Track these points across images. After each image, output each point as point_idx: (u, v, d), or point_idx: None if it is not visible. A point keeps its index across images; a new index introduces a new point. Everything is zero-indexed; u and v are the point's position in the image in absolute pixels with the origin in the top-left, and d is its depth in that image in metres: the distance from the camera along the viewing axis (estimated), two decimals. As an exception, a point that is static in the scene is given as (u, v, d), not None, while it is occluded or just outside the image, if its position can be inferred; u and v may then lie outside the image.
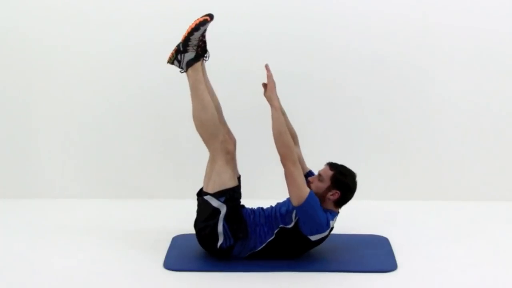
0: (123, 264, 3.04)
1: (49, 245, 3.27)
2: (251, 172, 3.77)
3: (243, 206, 3.12)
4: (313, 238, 2.98)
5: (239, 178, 3.13)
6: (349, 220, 3.61)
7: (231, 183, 3.04)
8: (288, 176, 2.91)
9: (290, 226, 2.99)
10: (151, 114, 4.11)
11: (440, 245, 3.31)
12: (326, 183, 3.01)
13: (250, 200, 3.21)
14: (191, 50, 3.06)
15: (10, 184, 4.14)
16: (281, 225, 3.01)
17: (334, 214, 3.04)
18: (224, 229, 2.99)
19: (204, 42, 3.09)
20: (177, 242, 3.28)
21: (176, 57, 3.08)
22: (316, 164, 4.12)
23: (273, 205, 3.17)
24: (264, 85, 3.09)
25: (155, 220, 3.70)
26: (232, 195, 3.03)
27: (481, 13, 3.95)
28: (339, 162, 3.19)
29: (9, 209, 3.90)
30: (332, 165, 3.05)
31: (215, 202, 3.01)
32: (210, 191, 3.02)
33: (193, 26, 3.03)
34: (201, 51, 3.08)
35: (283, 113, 3.13)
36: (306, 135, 4.10)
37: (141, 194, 4.11)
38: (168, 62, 3.13)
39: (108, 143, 4.12)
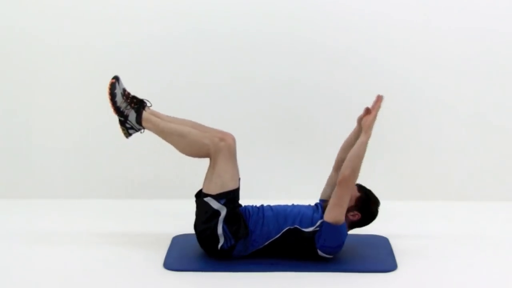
0: (123, 264, 3.04)
1: (49, 245, 3.27)
2: (250, 172, 3.77)
3: (240, 205, 3.11)
4: (321, 254, 2.99)
5: (239, 180, 3.13)
6: (349, 220, 3.62)
7: (232, 185, 3.03)
8: (338, 198, 2.91)
9: (306, 230, 2.98)
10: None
11: (440, 245, 3.31)
12: (351, 202, 3.01)
13: (250, 200, 3.20)
14: (129, 112, 3.08)
15: (10, 184, 4.14)
16: (296, 226, 3.00)
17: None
18: (224, 231, 2.98)
19: (133, 97, 3.11)
20: (177, 242, 3.28)
21: (127, 128, 3.10)
22: (316, 164, 4.14)
23: (282, 203, 3.16)
24: (367, 111, 3.06)
25: (155, 220, 3.70)
26: (233, 197, 3.02)
27: (482, 15, 3.96)
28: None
29: (9, 209, 3.89)
30: (361, 187, 3.07)
31: (215, 204, 3.00)
32: (211, 192, 3.01)
33: (109, 96, 3.06)
34: (137, 103, 3.10)
35: None
36: (306, 135, 4.12)
37: (141, 194, 4.11)
38: (127, 137, 3.15)
39: (108, 143, 4.12)
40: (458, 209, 3.92)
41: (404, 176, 4.13)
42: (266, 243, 3.02)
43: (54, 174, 4.14)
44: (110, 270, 2.98)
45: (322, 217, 2.99)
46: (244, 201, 3.14)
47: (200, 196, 3.07)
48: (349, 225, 3.06)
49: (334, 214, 2.91)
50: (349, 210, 3.00)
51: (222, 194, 3.00)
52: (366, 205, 3.04)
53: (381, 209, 3.89)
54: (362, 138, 2.97)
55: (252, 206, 3.12)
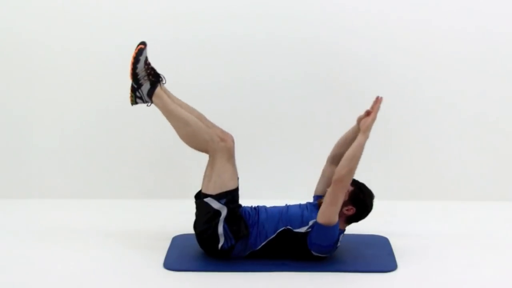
0: (123, 264, 3.04)
1: (49, 245, 3.27)
2: (251, 172, 3.78)
3: (240, 205, 3.11)
4: (315, 253, 3.00)
5: (237, 179, 3.13)
6: (349, 220, 3.62)
7: (232, 185, 3.03)
8: (333, 197, 2.89)
9: (298, 230, 2.98)
10: (151, 114, 4.10)
11: (440, 245, 3.30)
12: (345, 197, 2.99)
13: (250, 200, 3.21)
14: (144, 82, 3.07)
15: (10, 184, 4.13)
16: (288, 226, 3.00)
17: (342, 232, 3.04)
18: (224, 230, 2.99)
19: (152, 68, 3.10)
20: (177, 242, 3.28)
21: (136, 96, 3.09)
22: (317, 163, 4.13)
23: (279, 204, 3.14)
24: (367, 113, 3.07)
25: (155, 220, 3.70)
26: (233, 197, 3.02)
27: (481, 15, 3.96)
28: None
29: (9, 209, 3.89)
30: (353, 181, 3.03)
31: (216, 204, 3.00)
32: (211, 192, 3.01)
33: (132, 60, 3.03)
34: (154, 77, 3.09)
35: None
36: (307, 134, 4.12)
37: (141, 194, 4.11)
38: (132, 104, 3.14)
39: (108, 143, 4.12)
40: (458, 209, 3.92)
41: (404, 176, 4.13)
42: (264, 243, 3.02)
43: (54, 174, 4.14)
44: (110, 270, 2.98)
45: (314, 217, 2.98)
46: (243, 201, 3.14)
47: (199, 197, 3.07)
48: (345, 220, 3.04)
49: (328, 213, 2.90)
50: (343, 205, 2.98)
51: (222, 194, 3.00)
52: (360, 199, 3.02)
53: (381, 209, 3.90)
54: (360, 139, 2.98)
55: (249, 207, 3.13)
